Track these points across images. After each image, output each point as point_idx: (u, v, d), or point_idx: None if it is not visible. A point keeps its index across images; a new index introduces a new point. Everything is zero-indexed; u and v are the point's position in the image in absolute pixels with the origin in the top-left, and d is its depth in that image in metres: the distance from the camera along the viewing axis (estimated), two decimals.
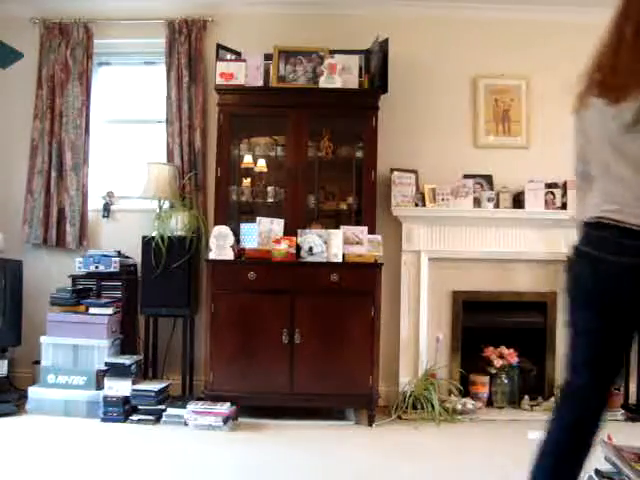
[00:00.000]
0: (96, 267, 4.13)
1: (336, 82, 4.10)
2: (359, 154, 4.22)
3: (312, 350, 3.83)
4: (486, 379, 4.28)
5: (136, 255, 4.28)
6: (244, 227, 4.02)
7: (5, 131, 4.63)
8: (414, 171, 4.44)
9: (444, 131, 4.57)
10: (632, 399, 4.32)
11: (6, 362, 4.03)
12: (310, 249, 3.89)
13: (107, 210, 4.58)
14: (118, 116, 4.77)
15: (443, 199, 4.35)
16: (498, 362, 4.24)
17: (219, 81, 4.12)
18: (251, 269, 3.85)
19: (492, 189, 4.45)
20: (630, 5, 1.70)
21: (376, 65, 4.19)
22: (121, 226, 4.57)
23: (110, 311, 4.01)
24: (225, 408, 3.69)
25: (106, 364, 3.88)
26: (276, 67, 4.25)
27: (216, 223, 4.05)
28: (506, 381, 4.29)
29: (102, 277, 4.16)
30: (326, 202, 4.32)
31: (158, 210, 4.31)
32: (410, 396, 4.04)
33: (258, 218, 4.01)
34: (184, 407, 3.74)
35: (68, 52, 4.50)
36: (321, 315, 3.85)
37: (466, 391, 4.28)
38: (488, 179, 4.49)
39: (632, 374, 4.32)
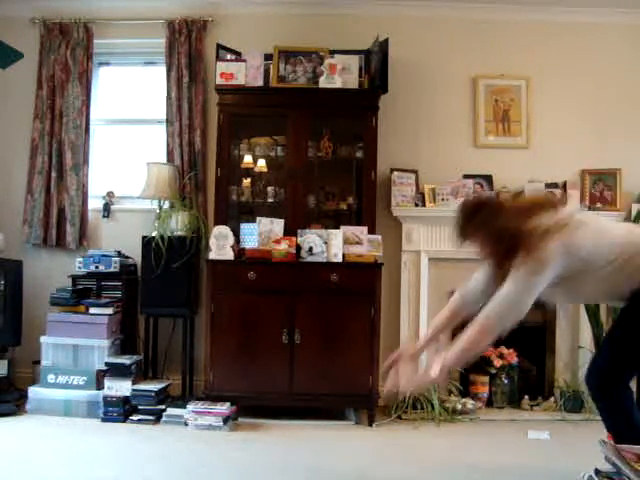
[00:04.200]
0: (96, 267, 4.13)
1: (336, 82, 4.10)
2: (359, 154, 4.21)
3: (312, 350, 3.83)
4: (486, 379, 4.28)
5: (136, 255, 4.28)
6: (244, 227, 4.02)
7: (5, 131, 4.63)
8: (414, 171, 4.44)
9: (444, 131, 4.57)
10: None
11: (6, 362, 4.03)
12: (310, 249, 3.89)
13: (107, 210, 4.58)
14: (118, 116, 4.77)
15: (443, 199, 4.35)
16: (498, 362, 4.24)
17: (219, 81, 4.12)
18: (251, 269, 3.85)
19: (492, 189, 4.45)
20: None
21: (376, 65, 4.19)
22: (121, 226, 4.56)
23: (110, 311, 4.00)
24: (225, 408, 3.69)
25: (106, 364, 3.88)
26: (276, 67, 4.25)
27: (216, 223, 4.05)
28: (506, 381, 4.29)
29: (102, 277, 4.16)
30: (326, 202, 4.32)
31: (158, 210, 4.32)
32: (410, 396, 4.04)
33: (258, 218, 4.01)
34: (184, 407, 3.74)
35: (68, 52, 4.50)
36: (321, 315, 3.85)
37: (466, 391, 4.28)
38: (488, 179, 4.49)
39: None
